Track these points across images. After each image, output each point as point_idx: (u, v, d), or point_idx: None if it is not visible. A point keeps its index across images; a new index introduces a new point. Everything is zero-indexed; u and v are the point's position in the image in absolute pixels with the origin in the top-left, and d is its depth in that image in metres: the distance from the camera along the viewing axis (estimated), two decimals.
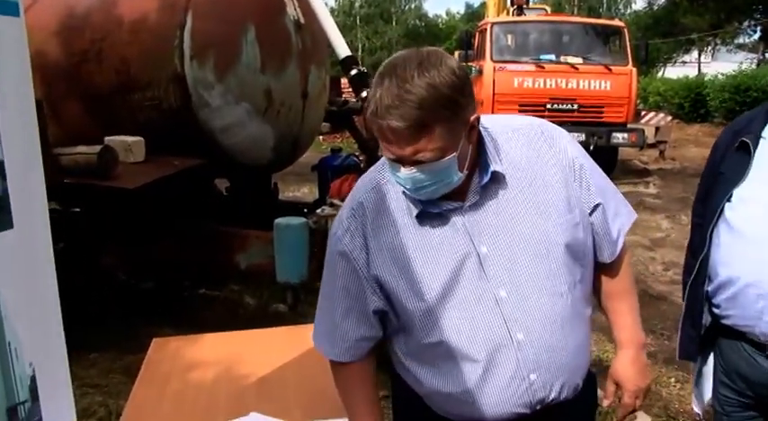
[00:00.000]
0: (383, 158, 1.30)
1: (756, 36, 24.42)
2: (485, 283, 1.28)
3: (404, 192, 1.30)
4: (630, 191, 9.41)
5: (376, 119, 1.16)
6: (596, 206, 1.38)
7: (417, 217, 1.30)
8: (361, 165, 4.88)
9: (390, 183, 1.33)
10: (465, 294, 1.28)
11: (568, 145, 1.37)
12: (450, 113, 1.16)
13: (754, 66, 23.20)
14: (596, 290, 1.53)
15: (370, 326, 1.39)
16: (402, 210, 1.31)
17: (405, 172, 1.20)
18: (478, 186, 1.29)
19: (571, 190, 1.33)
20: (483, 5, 19.74)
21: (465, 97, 1.19)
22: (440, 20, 50.33)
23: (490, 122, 1.34)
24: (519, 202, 1.30)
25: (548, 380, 1.33)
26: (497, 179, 1.29)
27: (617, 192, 1.47)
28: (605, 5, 35.96)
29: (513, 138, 1.34)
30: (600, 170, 1.44)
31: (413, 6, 46.09)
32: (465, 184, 1.28)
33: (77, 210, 4.14)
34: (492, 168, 1.28)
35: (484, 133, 1.30)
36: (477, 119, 1.24)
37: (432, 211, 1.29)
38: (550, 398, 1.36)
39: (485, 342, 1.30)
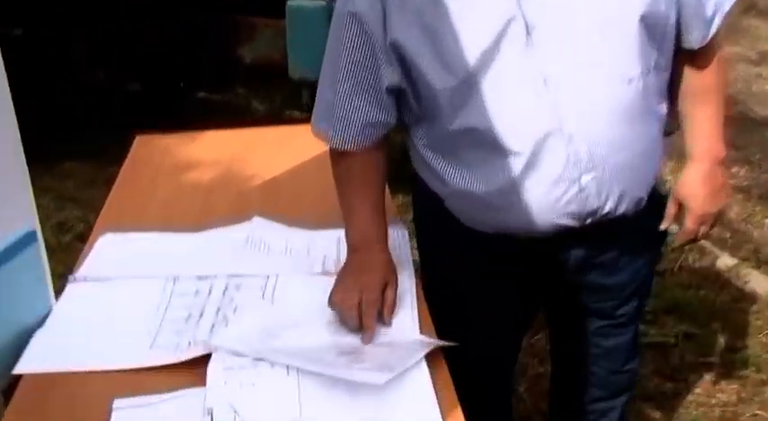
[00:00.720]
0: None
1: None
2: (531, 57, 1.20)
3: None
4: None
5: None
6: None
7: None
8: None
9: None
10: (506, 69, 1.21)
11: None
12: None
13: None
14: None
15: (381, 107, 1.33)
16: None
17: None
18: None
19: None
20: None
21: None
22: None
23: None
24: None
25: (603, 186, 1.28)
26: None
27: None
28: None
29: None
30: None
31: None
32: None
33: None
34: None
35: None
36: None
37: None
38: (605, 210, 1.31)
39: (527, 131, 1.24)
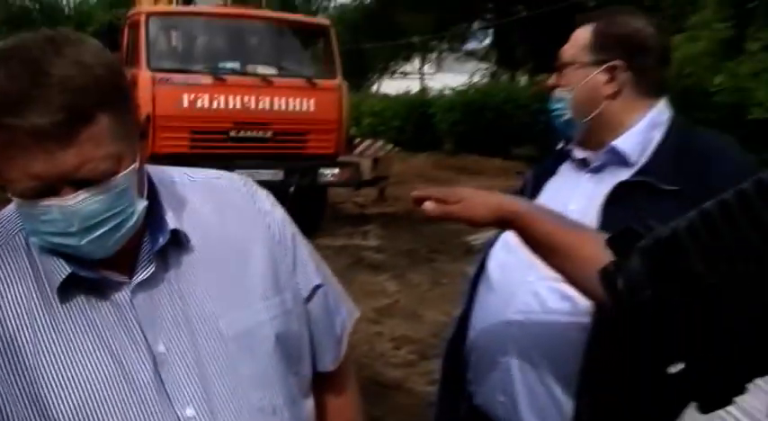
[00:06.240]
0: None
1: (488, 41, 27.36)
2: (164, 400, 1.21)
3: (43, 249, 1.19)
4: (345, 244, 9.76)
5: None
6: (316, 288, 1.42)
7: (62, 291, 1.19)
8: None
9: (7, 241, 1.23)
10: (134, 419, 1.19)
11: (275, 207, 1.43)
12: (115, 100, 1.12)
13: (487, 78, 26.00)
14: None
15: None
16: (28, 283, 1.20)
17: (67, 204, 1.10)
18: (152, 252, 1.25)
19: (281, 265, 1.37)
20: None
21: (127, 84, 1.19)
22: (65, 2, 47.63)
23: (161, 169, 1.36)
24: (210, 277, 1.29)
25: None
26: (178, 242, 1.27)
27: (333, 275, 1.52)
28: None
29: (196, 188, 1.36)
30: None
31: None
32: (131, 251, 1.23)
33: None
34: (171, 226, 1.25)
35: (155, 180, 1.29)
36: (148, 120, 1.11)
37: (86, 277, 1.20)
38: None
39: None
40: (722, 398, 0.55)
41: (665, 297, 0.54)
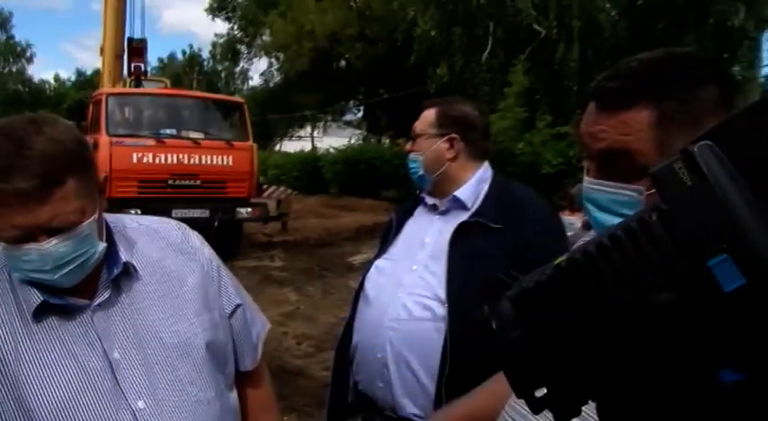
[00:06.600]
0: None
1: (360, 114, 27.83)
2: (119, 396, 1.19)
3: (22, 281, 1.15)
4: (257, 265, 9.61)
5: None
6: (237, 307, 1.39)
7: (36, 313, 1.16)
8: None
9: None
10: (96, 411, 1.16)
11: (203, 244, 1.40)
12: (81, 167, 1.11)
13: (361, 141, 26.37)
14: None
15: None
16: (10, 307, 1.17)
17: (43, 248, 1.08)
18: (108, 280, 1.22)
19: (209, 289, 1.34)
20: (97, 73, 18.70)
21: (90, 154, 1.17)
22: (47, 85, 45.88)
23: (116, 216, 1.34)
24: (154, 299, 1.26)
25: None
26: (129, 272, 1.24)
27: (249, 293, 1.49)
28: (224, 80, 37.35)
29: (142, 231, 1.33)
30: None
31: (14, 69, 41.26)
32: (92, 279, 1.20)
33: None
34: (123, 259, 1.23)
35: (111, 225, 1.26)
36: (105, 182, 1.19)
37: (55, 304, 1.17)
38: None
39: None
40: (573, 411, 0.54)
41: (529, 340, 0.53)
